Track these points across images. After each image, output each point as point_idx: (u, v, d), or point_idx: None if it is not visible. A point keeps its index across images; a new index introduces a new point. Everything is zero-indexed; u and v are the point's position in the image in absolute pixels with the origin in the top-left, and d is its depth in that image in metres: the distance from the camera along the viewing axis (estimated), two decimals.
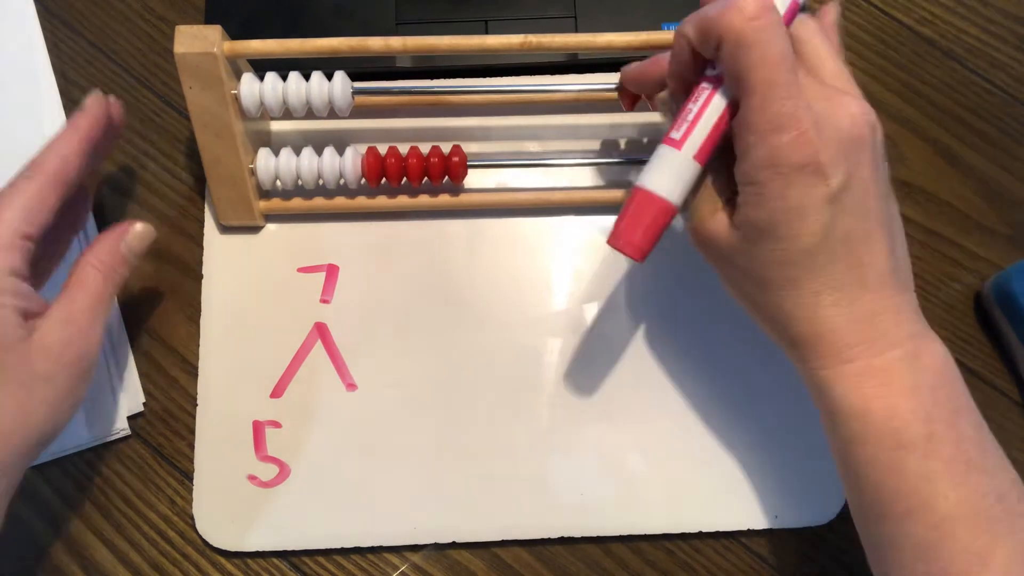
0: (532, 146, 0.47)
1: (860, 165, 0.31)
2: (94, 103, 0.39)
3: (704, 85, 0.32)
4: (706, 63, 0.32)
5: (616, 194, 0.45)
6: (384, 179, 0.43)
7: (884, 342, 0.31)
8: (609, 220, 0.46)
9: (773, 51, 0.29)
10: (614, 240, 0.33)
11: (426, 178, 0.44)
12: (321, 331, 0.44)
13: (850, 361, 0.31)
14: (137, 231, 0.39)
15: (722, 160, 0.33)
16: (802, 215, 0.30)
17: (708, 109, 0.32)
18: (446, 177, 0.44)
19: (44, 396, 0.35)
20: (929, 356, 0.32)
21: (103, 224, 0.46)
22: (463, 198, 0.45)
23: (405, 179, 0.43)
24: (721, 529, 0.42)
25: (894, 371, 0.31)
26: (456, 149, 0.43)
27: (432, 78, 0.47)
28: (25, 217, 0.35)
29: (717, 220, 0.33)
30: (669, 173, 0.32)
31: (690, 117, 0.32)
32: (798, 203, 0.30)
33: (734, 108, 0.31)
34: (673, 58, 0.33)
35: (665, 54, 0.35)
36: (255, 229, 0.45)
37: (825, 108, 0.30)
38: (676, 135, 0.32)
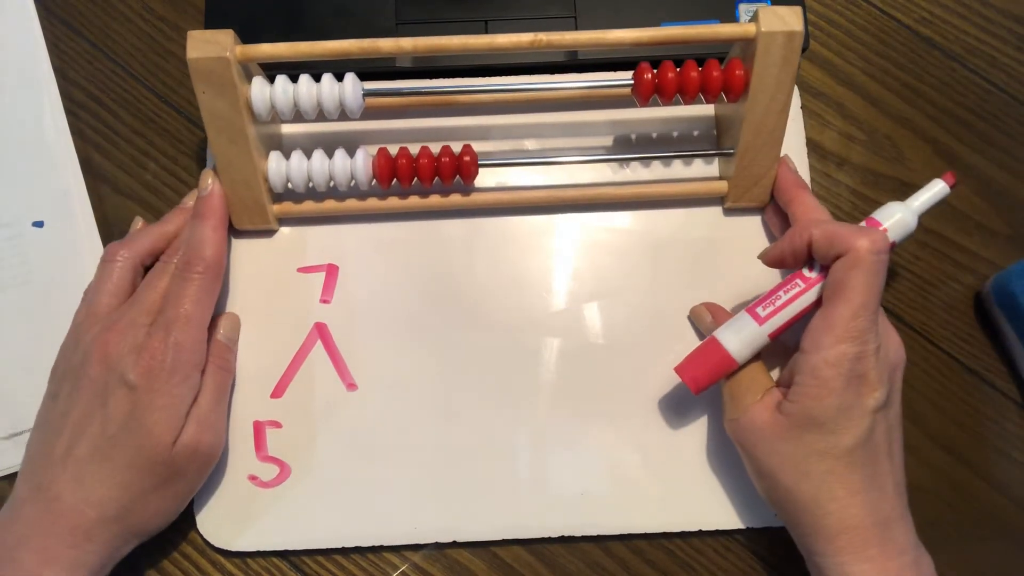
0: (540, 145, 0.47)
1: (895, 388, 0.37)
2: (215, 185, 0.42)
3: (798, 281, 0.38)
4: (807, 260, 0.39)
5: (620, 191, 0.45)
6: (395, 180, 0.43)
7: (894, 547, 0.35)
8: (610, 218, 0.46)
9: (876, 281, 0.35)
10: (682, 371, 0.40)
11: (436, 178, 0.44)
12: (321, 331, 0.44)
13: (869, 560, 0.35)
14: (228, 322, 0.43)
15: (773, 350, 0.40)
16: (851, 416, 0.35)
17: (796, 301, 0.38)
18: (457, 176, 0.44)
19: (178, 489, 0.39)
20: (927, 567, 0.36)
21: (103, 224, 0.46)
22: (475, 197, 0.45)
23: (415, 179, 0.43)
24: (721, 528, 0.42)
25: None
26: (467, 148, 0.43)
27: (432, 78, 0.47)
28: (206, 313, 0.39)
29: (763, 406, 0.38)
30: (744, 339, 0.39)
31: (779, 302, 0.38)
32: (851, 405, 0.35)
33: (814, 307, 0.38)
34: (787, 241, 0.39)
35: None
36: (268, 233, 0.45)
37: (884, 334, 0.37)
38: (762, 312, 0.39)
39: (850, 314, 0.35)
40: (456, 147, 0.44)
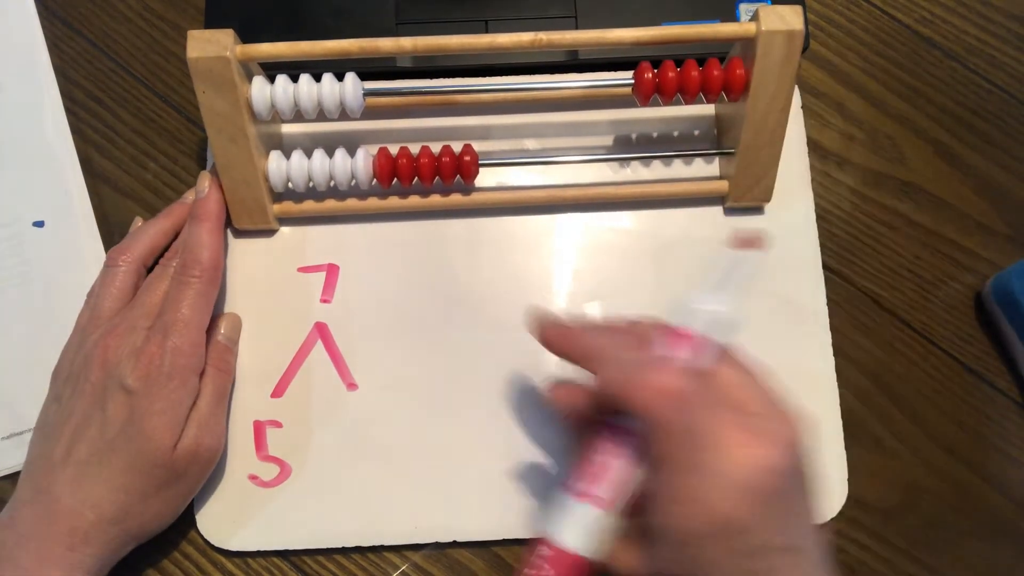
0: (541, 144, 0.47)
1: (774, 508, 0.30)
2: (212, 187, 0.41)
3: (608, 436, 0.31)
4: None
5: (620, 191, 0.45)
6: (395, 180, 0.43)
7: None
8: (611, 218, 0.46)
9: (679, 428, 0.29)
10: None
11: (437, 178, 0.44)
12: (321, 331, 0.44)
13: None
14: (229, 323, 0.43)
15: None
16: (716, 565, 0.30)
17: (632, 469, 0.31)
18: (457, 176, 0.44)
19: (178, 491, 0.39)
20: None
21: (103, 224, 0.46)
22: (475, 197, 0.45)
23: (416, 179, 0.43)
24: None
25: None
26: (467, 148, 0.43)
27: (432, 77, 0.47)
28: (204, 316, 0.39)
29: (629, 556, 0.33)
30: (584, 528, 0.30)
31: (614, 474, 0.30)
32: (711, 558, 0.30)
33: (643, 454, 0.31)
34: (568, 399, 0.34)
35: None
36: (268, 232, 0.45)
37: (737, 462, 0.30)
38: (604, 493, 0.30)
39: (672, 476, 0.30)
40: (456, 147, 0.44)
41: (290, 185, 0.43)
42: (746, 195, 0.44)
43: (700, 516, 0.30)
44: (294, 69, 0.42)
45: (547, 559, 0.30)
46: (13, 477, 0.42)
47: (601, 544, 0.31)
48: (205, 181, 0.42)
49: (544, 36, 0.40)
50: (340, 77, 0.41)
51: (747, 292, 0.31)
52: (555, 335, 0.36)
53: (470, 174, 0.43)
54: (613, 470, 0.30)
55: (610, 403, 0.32)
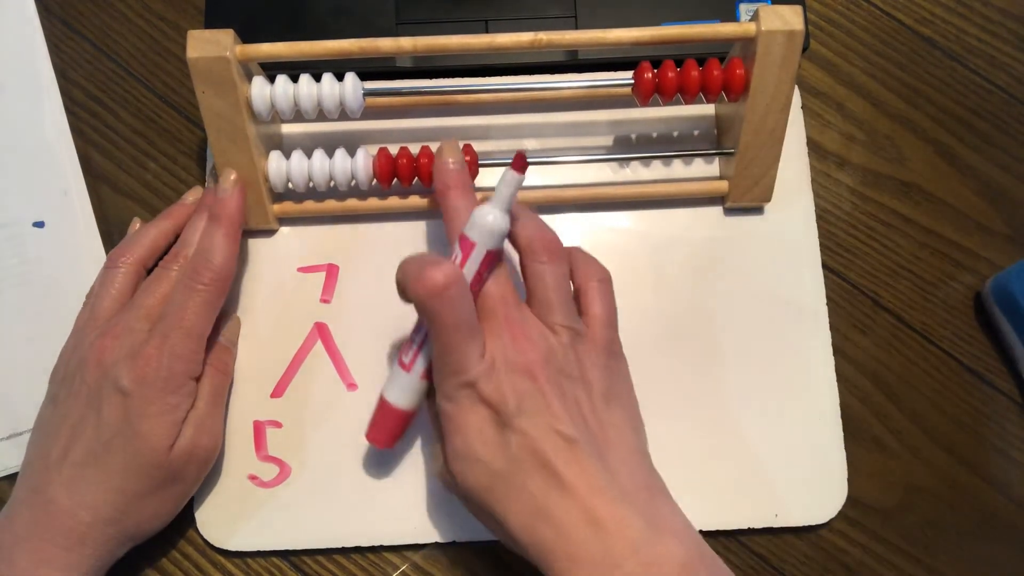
0: (540, 144, 0.47)
1: (535, 392, 0.34)
2: (237, 189, 0.41)
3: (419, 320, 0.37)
4: None
5: (620, 191, 0.45)
6: (395, 180, 0.43)
7: (609, 560, 0.31)
8: (611, 218, 0.46)
9: (450, 319, 0.34)
10: (369, 437, 0.40)
11: None
12: (321, 331, 0.44)
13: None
14: (229, 324, 0.43)
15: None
16: (485, 440, 0.34)
17: (428, 341, 0.36)
18: (478, 175, 0.44)
19: (175, 492, 0.39)
20: (665, 564, 0.31)
21: (103, 224, 0.46)
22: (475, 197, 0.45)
23: (416, 179, 0.43)
24: (721, 528, 0.42)
25: None
26: (467, 148, 0.43)
27: (432, 78, 0.47)
28: (208, 324, 0.39)
29: (445, 464, 0.36)
30: (402, 389, 0.38)
31: (415, 346, 0.38)
32: (477, 427, 0.34)
33: None
34: (396, 283, 0.37)
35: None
36: (268, 232, 0.45)
37: (499, 350, 0.34)
38: (405, 359, 0.38)
39: (440, 353, 0.35)
40: None
41: (290, 185, 0.43)
42: (746, 195, 0.44)
43: (452, 379, 0.34)
44: (294, 69, 0.42)
45: (378, 410, 0.39)
46: (13, 478, 0.41)
47: (406, 397, 0.38)
48: (230, 179, 0.40)
49: (544, 36, 0.40)
50: (340, 77, 0.41)
51: (512, 206, 0.37)
52: (441, 175, 0.40)
53: (470, 174, 0.43)
54: (412, 343, 0.38)
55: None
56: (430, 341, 0.36)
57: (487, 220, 0.36)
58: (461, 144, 0.43)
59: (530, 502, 0.33)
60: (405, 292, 0.35)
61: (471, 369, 0.34)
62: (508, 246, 0.38)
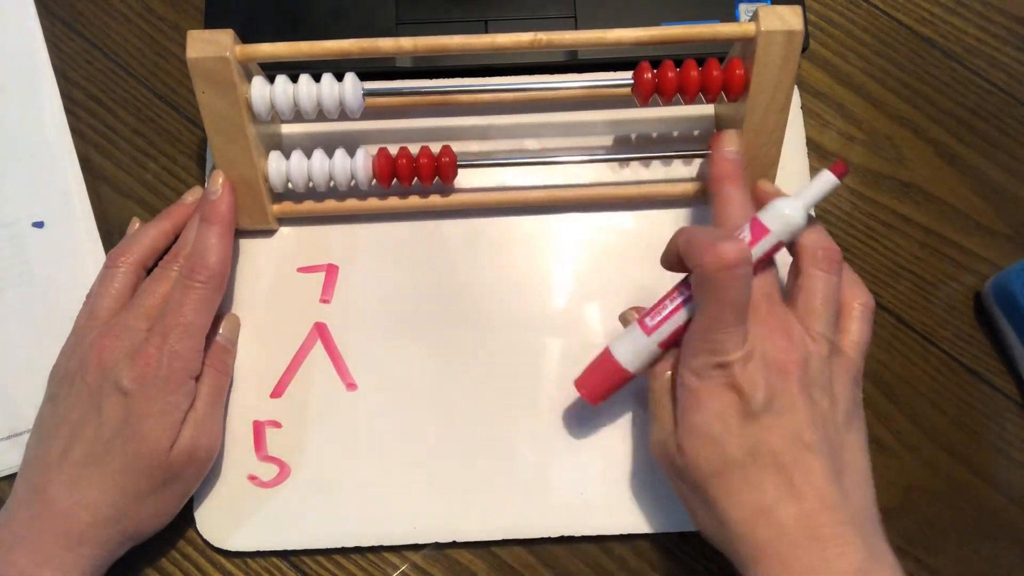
0: (540, 144, 0.47)
1: (785, 392, 0.34)
2: (226, 189, 0.41)
3: (682, 288, 0.37)
4: None
5: (620, 191, 0.45)
6: (395, 180, 0.43)
7: (826, 572, 0.31)
8: (611, 218, 0.46)
9: (730, 296, 0.34)
10: (580, 385, 0.40)
11: (436, 178, 0.44)
12: (321, 331, 0.44)
13: None
14: (228, 323, 0.43)
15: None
16: (726, 424, 0.34)
17: (681, 311, 0.37)
18: (457, 176, 0.44)
19: (175, 492, 0.39)
20: None
21: (103, 224, 0.46)
22: (475, 197, 0.45)
23: (416, 179, 0.43)
24: None
25: None
26: (446, 149, 0.43)
27: (432, 78, 0.47)
28: (206, 322, 0.39)
29: (675, 439, 0.36)
30: (635, 350, 0.38)
31: (664, 312, 0.37)
32: (720, 410, 0.34)
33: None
34: (667, 251, 0.38)
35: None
36: (268, 232, 0.45)
37: (761, 343, 0.34)
38: (650, 322, 0.37)
39: (703, 329, 0.34)
40: (457, 147, 0.44)
41: (290, 185, 0.43)
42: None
43: (707, 356, 0.34)
44: (294, 69, 0.42)
45: (601, 361, 0.39)
46: (13, 478, 0.41)
47: (636, 359, 0.38)
48: (218, 181, 0.41)
49: (544, 36, 0.40)
50: (340, 77, 0.41)
51: (813, 205, 0.37)
52: (718, 166, 0.41)
53: (448, 175, 0.43)
54: (662, 307, 0.37)
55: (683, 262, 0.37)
56: (682, 312, 0.36)
57: (789, 211, 0.36)
58: (441, 145, 0.43)
59: (757, 498, 0.32)
60: (690, 259, 0.35)
61: (731, 351, 0.34)
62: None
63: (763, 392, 0.33)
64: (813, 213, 0.39)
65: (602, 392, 0.39)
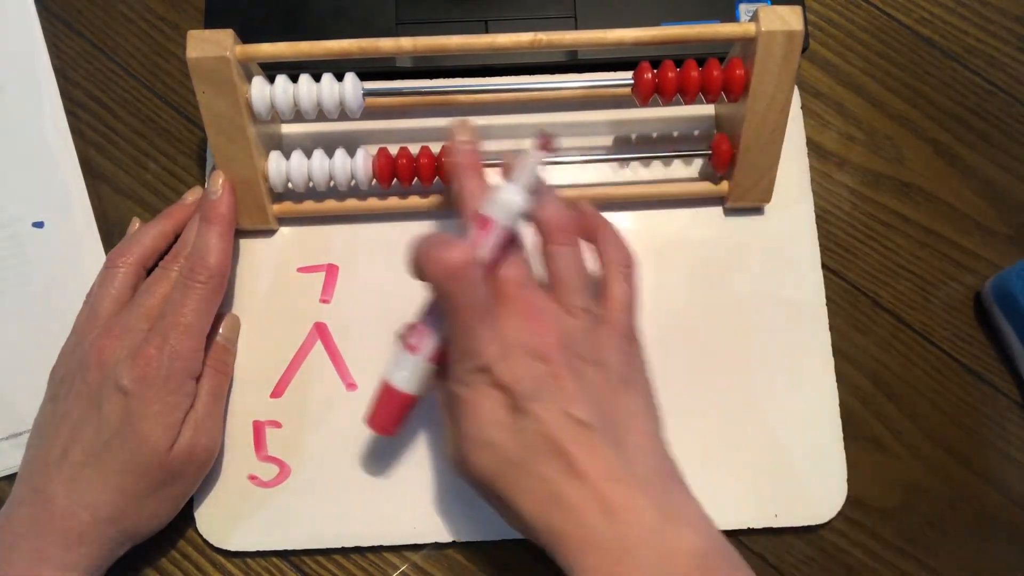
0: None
1: (549, 376, 0.33)
2: (226, 189, 0.41)
3: (434, 301, 0.37)
4: None
5: (620, 191, 0.45)
6: (395, 180, 0.43)
7: (622, 547, 0.31)
8: (611, 217, 0.46)
9: (465, 301, 0.33)
10: (369, 422, 0.38)
11: (436, 178, 0.44)
12: (321, 331, 0.44)
13: (593, 569, 0.31)
14: (228, 323, 0.43)
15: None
16: (498, 425, 0.33)
17: (435, 324, 0.36)
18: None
19: (174, 492, 0.39)
20: (679, 554, 0.31)
21: (103, 224, 0.46)
22: None
23: (416, 179, 0.43)
24: (721, 528, 0.42)
25: None
26: (446, 149, 0.43)
27: (432, 78, 0.47)
28: (207, 322, 0.39)
29: (457, 449, 0.35)
30: (407, 371, 0.37)
31: (423, 327, 0.37)
32: (489, 411, 0.33)
33: None
34: (408, 262, 0.36)
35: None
36: (268, 232, 0.45)
37: (513, 333, 0.34)
38: (413, 341, 0.37)
39: (454, 336, 0.34)
40: None
41: (290, 185, 0.43)
42: (746, 195, 0.44)
43: (465, 362, 0.34)
44: (294, 69, 0.42)
45: (381, 394, 0.38)
46: (13, 478, 0.41)
47: (412, 380, 0.37)
48: (218, 182, 0.41)
49: (544, 36, 0.40)
50: (340, 77, 0.41)
51: (536, 186, 0.36)
52: (455, 156, 0.39)
53: (426, 176, 0.43)
54: (421, 324, 0.37)
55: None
56: (440, 323, 0.35)
57: (504, 198, 0.35)
58: (441, 145, 0.43)
59: (543, 488, 0.32)
60: (419, 271, 0.34)
61: (485, 352, 0.33)
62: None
63: (526, 382, 0.33)
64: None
65: (390, 422, 0.38)
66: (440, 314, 0.36)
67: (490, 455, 0.33)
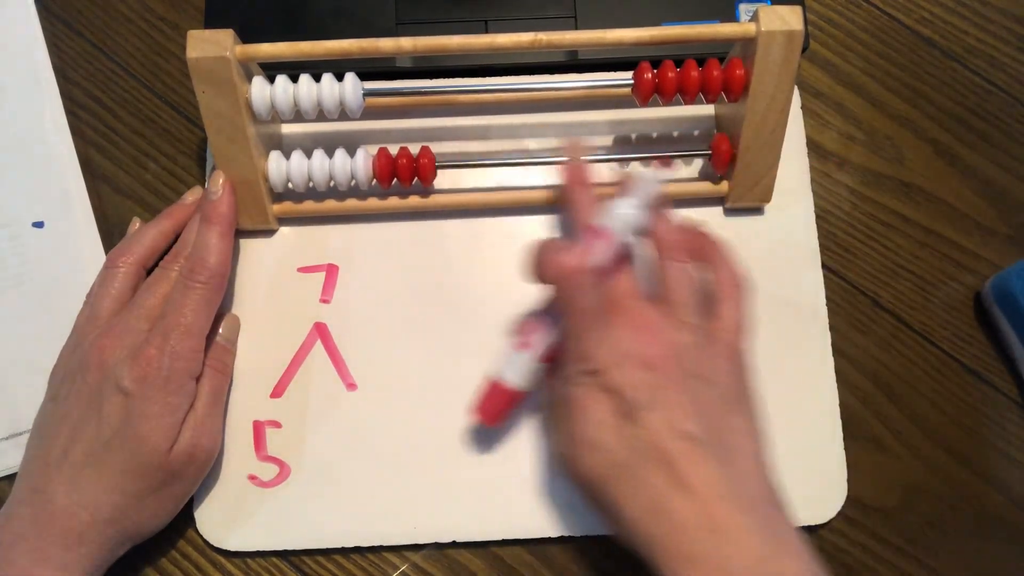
0: (540, 144, 0.47)
1: (660, 387, 0.34)
2: (226, 190, 0.41)
3: (541, 304, 0.39)
4: None
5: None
6: (395, 179, 0.43)
7: (726, 569, 0.30)
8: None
9: (580, 303, 0.35)
10: (478, 412, 0.40)
11: (435, 178, 0.44)
12: (321, 331, 0.44)
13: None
14: (228, 323, 0.43)
15: None
16: (606, 429, 0.34)
17: (549, 323, 0.38)
18: (455, 176, 0.44)
19: (174, 492, 0.39)
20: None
21: (103, 224, 0.46)
22: (475, 197, 0.45)
23: (416, 179, 0.43)
24: None
25: None
26: (425, 150, 0.43)
27: (431, 78, 0.47)
28: (207, 322, 0.39)
29: (564, 448, 0.36)
30: (518, 367, 0.38)
31: (537, 327, 0.38)
32: (599, 415, 0.34)
33: None
34: (526, 265, 0.38)
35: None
36: (268, 232, 0.45)
37: (630, 338, 0.35)
38: (525, 339, 0.38)
39: (567, 338, 0.35)
40: (457, 147, 0.44)
41: (290, 185, 0.43)
42: (746, 195, 0.44)
43: (578, 364, 0.35)
44: (294, 69, 0.42)
45: (488, 388, 0.39)
46: (13, 478, 0.41)
47: (522, 376, 0.38)
48: (219, 182, 0.41)
49: (544, 36, 0.40)
50: (340, 77, 0.41)
51: (652, 203, 0.38)
52: (567, 172, 0.41)
53: (427, 177, 0.43)
54: (532, 324, 0.38)
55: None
56: (553, 324, 0.37)
57: (619, 211, 0.37)
58: (440, 145, 0.43)
59: (649, 496, 0.32)
60: (537, 273, 0.36)
61: (597, 356, 0.34)
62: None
63: (637, 391, 0.33)
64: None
65: (498, 415, 0.40)
66: (554, 315, 0.37)
67: (599, 457, 0.34)
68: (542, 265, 0.36)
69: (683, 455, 0.32)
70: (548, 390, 0.39)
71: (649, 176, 0.38)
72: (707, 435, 0.33)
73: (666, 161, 0.38)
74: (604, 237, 0.37)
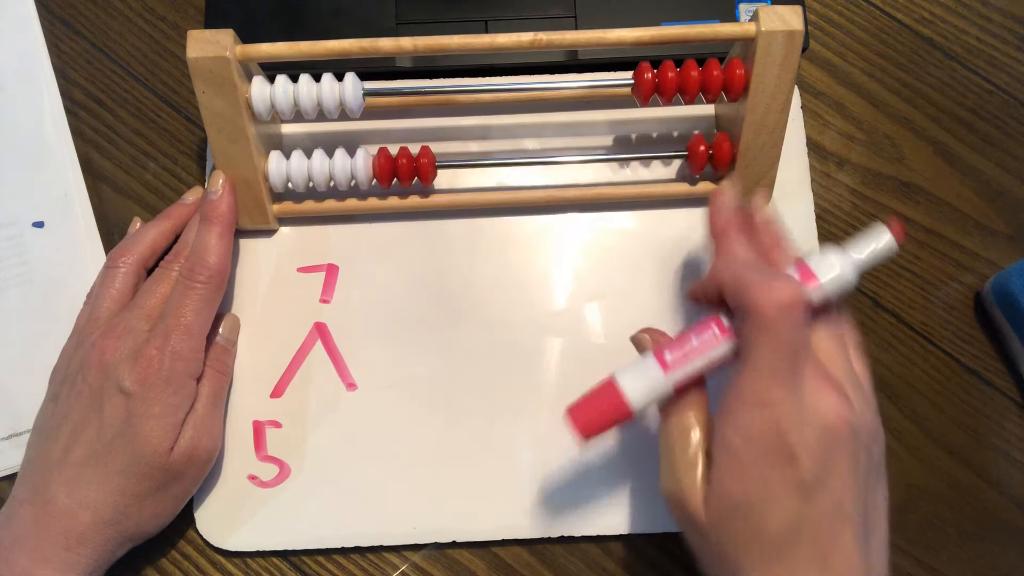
0: (540, 144, 0.47)
1: (838, 462, 0.30)
2: (226, 189, 0.41)
3: (714, 328, 0.33)
4: (724, 305, 0.33)
5: (620, 191, 0.45)
6: (395, 179, 0.43)
7: None
8: (611, 218, 0.46)
9: (786, 341, 0.30)
10: (573, 415, 0.34)
11: (436, 178, 0.44)
12: (321, 331, 0.44)
13: None
14: (228, 324, 0.43)
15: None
16: (770, 496, 0.30)
17: (709, 352, 0.33)
18: (455, 176, 0.44)
19: (175, 493, 0.39)
20: None
21: (103, 224, 0.46)
22: (475, 197, 0.45)
23: (416, 179, 0.43)
24: None
25: None
26: (425, 150, 0.43)
27: (431, 78, 0.47)
28: (207, 322, 0.39)
29: (697, 493, 0.32)
30: (645, 385, 0.33)
31: (688, 349, 0.33)
32: (766, 482, 0.30)
33: (732, 357, 0.33)
34: (703, 283, 0.34)
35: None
36: (268, 232, 0.45)
37: (813, 400, 0.30)
38: (669, 357, 0.33)
39: (754, 378, 0.30)
40: (457, 147, 0.44)
41: (290, 185, 0.43)
42: (746, 195, 0.44)
43: (764, 422, 0.30)
44: (294, 69, 0.42)
45: (603, 391, 0.34)
46: (13, 478, 0.41)
47: (644, 396, 0.33)
48: (218, 181, 0.41)
49: (544, 36, 0.40)
50: (340, 77, 0.41)
51: (867, 268, 0.34)
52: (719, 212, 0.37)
53: (426, 177, 0.43)
54: (687, 343, 0.33)
55: (717, 294, 0.33)
56: (712, 353, 0.32)
57: (841, 270, 0.33)
58: (420, 146, 0.43)
59: (787, 570, 0.30)
60: (739, 297, 0.31)
61: (784, 405, 0.30)
62: None
63: (818, 460, 0.30)
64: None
65: (595, 427, 0.34)
66: (719, 345, 0.33)
67: (746, 523, 0.30)
68: (753, 289, 0.30)
69: (835, 533, 0.30)
70: (675, 421, 0.34)
71: (882, 245, 0.33)
72: (859, 514, 0.30)
73: (899, 229, 0.33)
74: (811, 280, 0.32)
